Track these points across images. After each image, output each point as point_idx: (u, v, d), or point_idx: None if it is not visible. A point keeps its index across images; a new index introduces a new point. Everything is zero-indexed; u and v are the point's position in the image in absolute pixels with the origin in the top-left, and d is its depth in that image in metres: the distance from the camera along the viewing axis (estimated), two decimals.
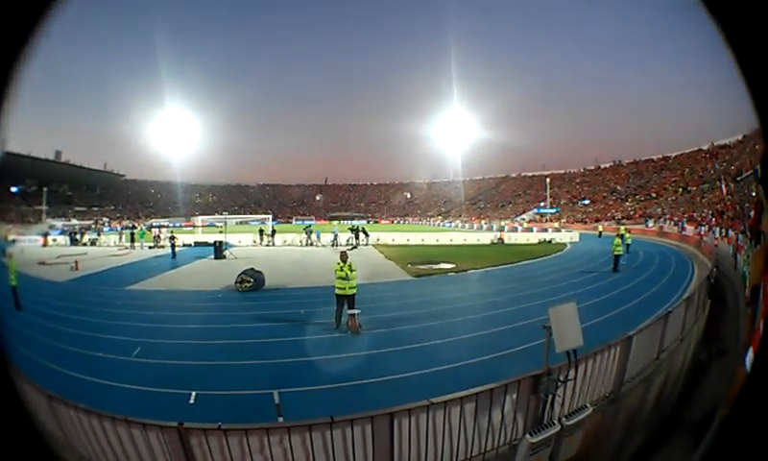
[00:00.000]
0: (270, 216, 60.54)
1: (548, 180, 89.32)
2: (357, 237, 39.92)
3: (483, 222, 79.88)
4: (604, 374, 6.84)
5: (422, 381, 8.92)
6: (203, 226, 60.59)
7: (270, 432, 4.88)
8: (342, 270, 13.21)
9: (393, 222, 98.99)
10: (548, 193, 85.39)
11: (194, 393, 8.80)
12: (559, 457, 5.62)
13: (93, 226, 69.56)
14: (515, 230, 56.61)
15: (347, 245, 36.40)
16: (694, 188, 61.86)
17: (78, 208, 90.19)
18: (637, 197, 73.89)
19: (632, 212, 66.63)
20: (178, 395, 8.83)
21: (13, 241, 45.96)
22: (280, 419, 7.33)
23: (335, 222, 62.77)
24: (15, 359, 7.61)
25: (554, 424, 5.55)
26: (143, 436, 5.10)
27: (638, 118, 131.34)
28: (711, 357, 8.62)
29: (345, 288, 13.12)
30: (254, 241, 43.64)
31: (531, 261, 28.43)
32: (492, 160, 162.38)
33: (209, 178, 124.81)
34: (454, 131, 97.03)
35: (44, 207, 76.12)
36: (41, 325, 14.42)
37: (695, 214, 47.03)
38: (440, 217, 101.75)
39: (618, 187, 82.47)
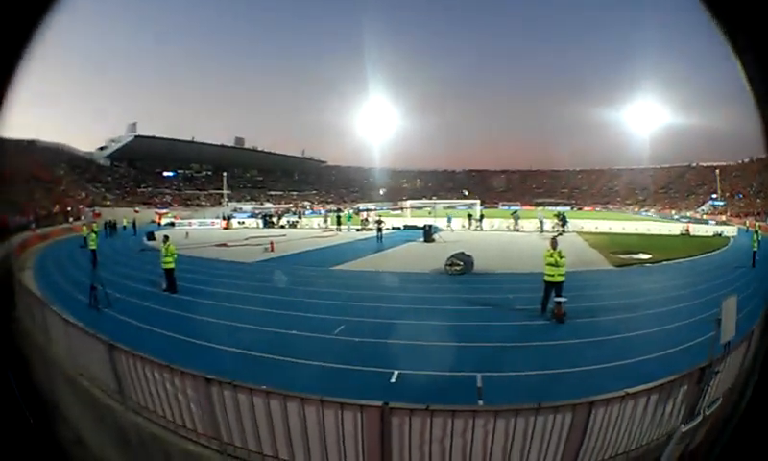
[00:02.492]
0: (478, 201, 60.40)
1: (717, 171, 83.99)
2: (563, 224, 39.89)
3: (673, 212, 76.27)
4: (734, 366, 6.55)
5: (612, 373, 8.75)
6: (411, 209, 61.30)
7: (476, 415, 4.95)
8: (551, 256, 13.05)
9: (594, 209, 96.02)
10: (718, 185, 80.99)
11: (396, 372, 8.91)
12: (690, 447, 5.51)
13: (293, 209, 70.84)
14: (697, 221, 53.80)
15: (553, 231, 36.34)
16: None
17: (272, 193, 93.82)
18: (761, 194, 72.14)
19: (759, 209, 63.87)
20: (379, 374, 8.97)
21: (171, 224, 49.37)
22: (480, 402, 7.41)
23: (540, 208, 62.02)
24: (148, 344, 8.40)
25: (699, 415, 5.56)
26: (336, 417, 5.14)
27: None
28: None
29: (554, 275, 12.91)
30: (463, 225, 44.33)
31: (706, 255, 27.28)
32: (678, 148, 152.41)
33: (416, 163, 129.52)
34: (645, 117, 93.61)
35: (225, 191, 79.60)
36: (205, 305, 14.98)
37: None
38: (636, 205, 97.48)
39: (753, 184, 78.86)
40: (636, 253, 26.33)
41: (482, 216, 46.53)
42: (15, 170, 50.79)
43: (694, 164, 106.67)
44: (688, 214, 65.80)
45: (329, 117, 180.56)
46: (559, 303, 12.66)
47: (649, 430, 5.58)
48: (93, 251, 23.22)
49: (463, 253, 20.80)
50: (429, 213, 51.82)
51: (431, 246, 30.62)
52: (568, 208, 79.28)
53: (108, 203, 63.57)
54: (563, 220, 40.76)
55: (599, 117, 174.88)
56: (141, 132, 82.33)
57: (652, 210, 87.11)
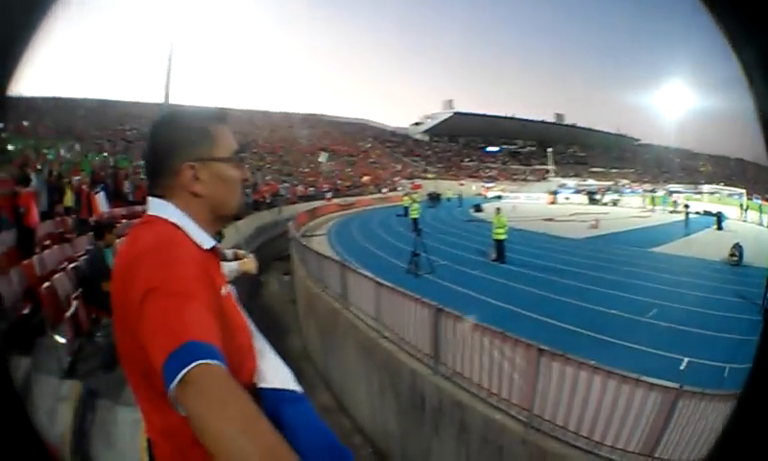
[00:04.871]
0: (743, 191, 53.17)
1: None
2: None
3: None
4: None
5: None
6: (709, 194, 56.26)
7: (703, 397, 5.16)
8: None
9: None
10: None
11: (686, 359, 9.00)
12: None
13: (613, 187, 65.05)
14: None
15: None
16: None
17: (594, 169, 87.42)
18: None
19: None
20: (671, 359, 9.05)
21: (498, 197, 50.25)
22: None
23: None
24: (472, 311, 8.12)
25: None
26: (643, 396, 5.36)
27: None
28: None
29: None
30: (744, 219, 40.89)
31: None
32: None
33: (711, 147, 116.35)
34: None
35: (550, 167, 75.76)
36: (531, 276, 15.59)
37: None
38: None
39: None
40: None
41: (747, 207, 43.21)
42: (288, 143, 58.96)
43: None
44: None
45: (641, 95, 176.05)
46: None
47: None
48: (415, 220, 23.82)
49: (738, 243, 20.77)
50: (719, 200, 49.21)
51: (722, 234, 28.98)
52: None
53: (430, 176, 65.69)
54: None
55: None
56: (459, 108, 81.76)
57: None
